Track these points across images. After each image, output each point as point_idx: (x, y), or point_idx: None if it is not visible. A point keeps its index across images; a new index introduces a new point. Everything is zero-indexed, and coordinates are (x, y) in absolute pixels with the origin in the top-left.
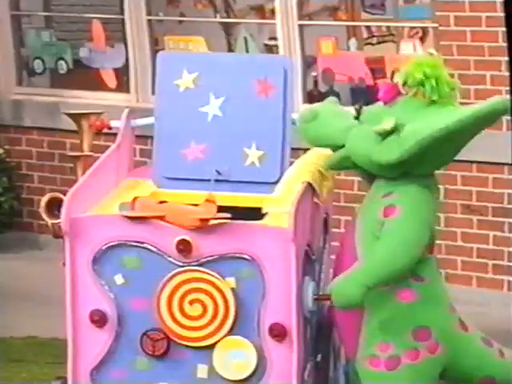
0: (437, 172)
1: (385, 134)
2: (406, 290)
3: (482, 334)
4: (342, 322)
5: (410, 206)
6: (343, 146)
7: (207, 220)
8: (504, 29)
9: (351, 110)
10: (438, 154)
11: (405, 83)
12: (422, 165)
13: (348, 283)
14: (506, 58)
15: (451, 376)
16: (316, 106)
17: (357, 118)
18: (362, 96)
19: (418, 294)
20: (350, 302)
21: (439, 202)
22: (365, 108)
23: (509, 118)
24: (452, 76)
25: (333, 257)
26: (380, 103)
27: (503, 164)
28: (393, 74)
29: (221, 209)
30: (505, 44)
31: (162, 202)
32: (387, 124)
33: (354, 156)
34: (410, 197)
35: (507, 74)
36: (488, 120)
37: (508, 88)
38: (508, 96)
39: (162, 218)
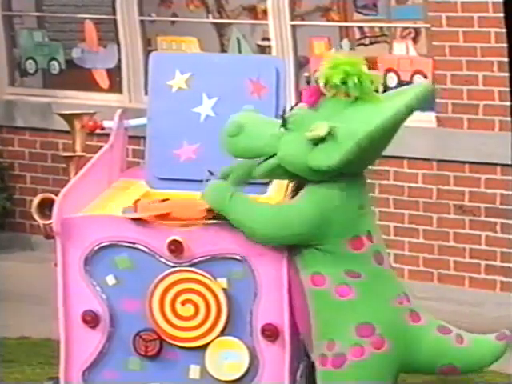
0: (429, 173)
1: (318, 140)
2: (342, 287)
3: (438, 322)
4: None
5: (306, 199)
6: (273, 155)
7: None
8: (496, 29)
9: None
10: (374, 151)
11: (326, 84)
12: (358, 164)
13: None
14: (499, 59)
15: (412, 370)
16: (239, 117)
17: (283, 125)
18: None
19: (356, 290)
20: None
21: (369, 196)
22: (289, 115)
23: (501, 118)
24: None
25: None
26: (304, 108)
27: (495, 164)
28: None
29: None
30: (497, 45)
31: (163, 201)
32: (321, 130)
33: (288, 164)
34: (313, 194)
35: (500, 74)
36: (418, 108)
37: (501, 89)
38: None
39: (168, 215)
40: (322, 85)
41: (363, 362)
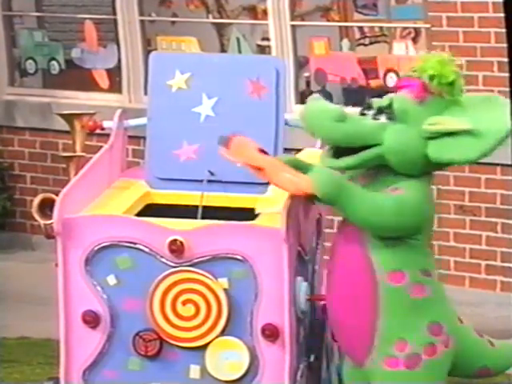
0: None
1: (438, 134)
2: (418, 285)
3: (472, 325)
4: (340, 325)
5: (414, 191)
6: (372, 146)
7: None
8: (496, 29)
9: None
10: None
11: (431, 81)
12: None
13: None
14: (499, 59)
15: (452, 370)
16: (335, 105)
17: (388, 115)
18: (355, 96)
19: (429, 289)
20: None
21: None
22: (388, 104)
23: None
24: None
25: (326, 257)
26: (406, 99)
27: (496, 164)
28: (389, 72)
29: (213, 209)
30: (497, 45)
31: (262, 151)
32: (463, 124)
33: (397, 155)
34: (417, 188)
35: (499, 74)
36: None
37: (501, 89)
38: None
39: (260, 169)
40: (428, 81)
41: (436, 360)
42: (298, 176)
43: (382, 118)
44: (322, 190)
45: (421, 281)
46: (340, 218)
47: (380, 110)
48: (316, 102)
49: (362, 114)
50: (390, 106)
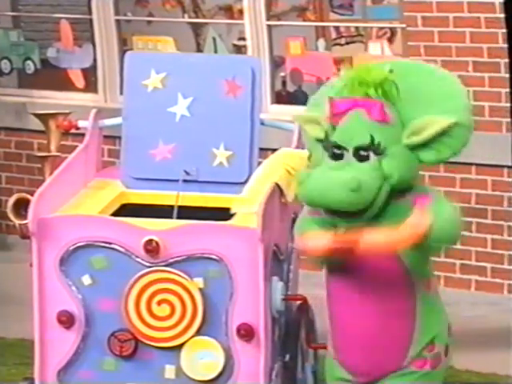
0: None
1: (423, 141)
2: (437, 290)
3: None
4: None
5: (438, 194)
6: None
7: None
8: (472, 29)
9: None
10: None
11: (376, 93)
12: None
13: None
14: (474, 59)
15: None
16: (352, 174)
17: (376, 152)
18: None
19: (436, 286)
20: None
21: None
22: (365, 143)
23: (477, 118)
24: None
25: (302, 257)
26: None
27: (471, 164)
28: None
29: (189, 209)
30: (472, 44)
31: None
32: (446, 120)
33: (404, 182)
34: (432, 189)
35: (475, 74)
36: None
37: (476, 88)
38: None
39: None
40: (375, 96)
41: (447, 362)
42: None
43: (371, 156)
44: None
45: (433, 280)
46: None
47: (361, 149)
48: (315, 179)
49: (337, 156)
50: (372, 142)
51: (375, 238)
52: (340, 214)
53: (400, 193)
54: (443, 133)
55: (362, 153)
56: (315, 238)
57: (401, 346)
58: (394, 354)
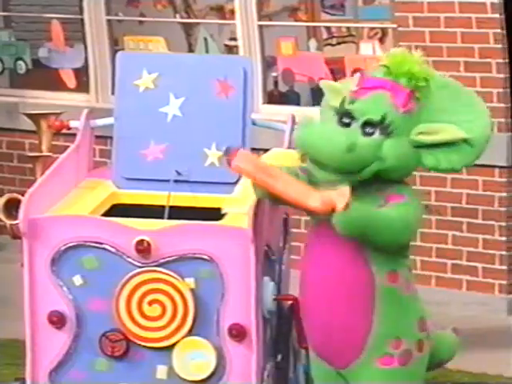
0: None
1: (428, 143)
2: (408, 283)
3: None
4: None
5: (413, 194)
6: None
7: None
8: (463, 30)
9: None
10: None
11: (409, 84)
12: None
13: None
14: (465, 59)
15: None
16: (339, 132)
17: (383, 131)
18: (322, 97)
19: (413, 286)
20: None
21: None
22: (375, 120)
23: None
24: None
25: (293, 257)
26: (395, 112)
27: None
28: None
29: (180, 209)
30: (463, 45)
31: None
32: (460, 133)
33: (396, 168)
34: (411, 190)
35: (466, 74)
36: None
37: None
38: None
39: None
40: (407, 85)
41: (423, 356)
42: (312, 192)
43: (376, 134)
44: (345, 229)
45: (409, 278)
46: (307, 218)
47: (369, 124)
48: (317, 127)
49: (345, 124)
50: (383, 120)
51: (291, 186)
52: (324, 167)
53: (380, 183)
54: (449, 144)
55: (369, 129)
56: (242, 156)
57: (358, 331)
58: (348, 342)
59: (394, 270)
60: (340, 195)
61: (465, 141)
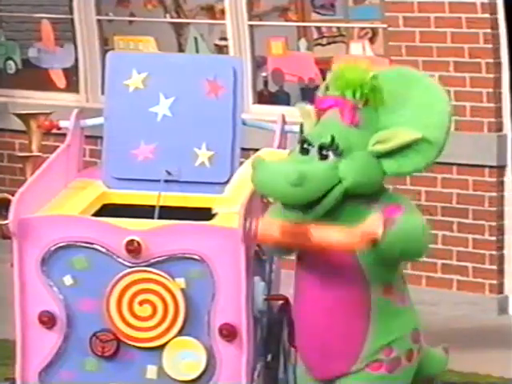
0: None
1: (389, 150)
2: (403, 295)
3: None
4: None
5: (407, 201)
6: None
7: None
8: (453, 29)
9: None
10: None
11: (354, 95)
12: None
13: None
14: (455, 59)
15: None
16: (294, 165)
17: (335, 152)
18: (312, 96)
19: (407, 296)
20: None
21: None
22: (326, 142)
23: (457, 118)
24: None
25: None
26: (341, 129)
27: (452, 164)
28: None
29: (170, 209)
30: (453, 45)
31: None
32: (414, 134)
33: (361, 185)
34: (405, 200)
35: (456, 74)
36: None
37: (457, 88)
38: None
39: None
40: (351, 97)
41: (411, 367)
42: (347, 230)
43: (331, 156)
44: (396, 247)
45: (403, 290)
46: None
47: (323, 148)
48: (265, 166)
49: (304, 150)
50: (332, 142)
51: (325, 233)
52: (288, 207)
53: (364, 198)
54: (408, 146)
55: (324, 152)
56: (266, 224)
57: (351, 347)
58: (344, 354)
59: (389, 283)
60: (374, 222)
61: (423, 140)
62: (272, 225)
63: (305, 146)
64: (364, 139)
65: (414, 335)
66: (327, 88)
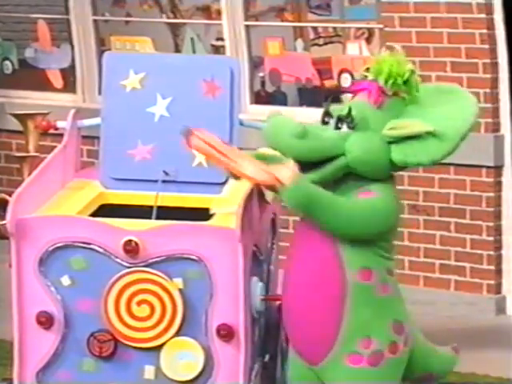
0: None
1: (401, 138)
2: (383, 285)
3: (420, 329)
4: (295, 327)
5: (386, 194)
6: (335, 156)
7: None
8: (449, 30)
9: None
10: None
11: (386, 83)
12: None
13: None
14: (452, 59)
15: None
16: (296, 120)
17: (349, 125)
18: (310, 97)
19: (392, 288)
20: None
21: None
22: (346, 113)
23: None
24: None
25: (281, 257)
26: (364, 106)
27: (449, 164)
28: (343, 74)
29: (168, 210)
30: (450, 45)
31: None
32: (426, 127)
33: (363, 163)
34: (387, 190)
35: (452, 74)
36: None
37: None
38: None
39: (221, 160)
40: (384, 83)
41: (397, 359)
42: (267, 169)
43: (344, 128)
44: (291, 202)
45: (386, 280)
46: (297, 218)
47: (340, 119)
48: (276, 118)
49: (325, 123)
50: (349, 114)
51: (243, 163)
52: (298, 164)
53: (365, 182)
54: (419, 139)
55: (340, 124)
56: (204, 137)
57: (327, 331)
58: (320, 338)
59: (366, 268)
60: (285, 169)
61: (434, 135)
62: (205, 136)
63: (326, 118)
64: (382, 123)
65: (396, 327)
66: (365, 75)
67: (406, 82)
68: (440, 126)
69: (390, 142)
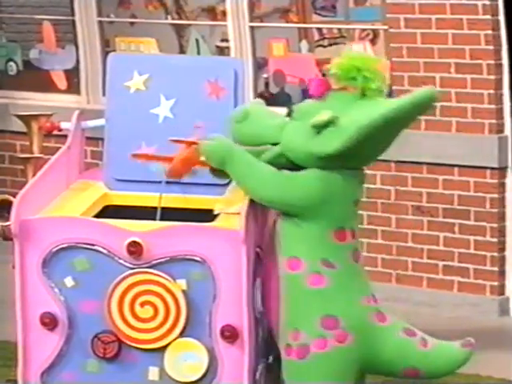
0: (387, 174)
1: (320, 127)
2: (315, 275)
3: (403, 324)
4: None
5: (314, 173)
6: (275, 144)
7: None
8: (454, 31)
9: (281, 110)
10: (374, 146)
11: (335, 77)
12: (356, 158)
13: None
14: (456, 60)
15: (374, 369)
16: (245, 106)
17: (289, 115)
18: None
19: (328, 280)
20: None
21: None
22: (296, 106)
23: (458, 119)
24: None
25: None
26: (311, 100)
27: (453, 165)
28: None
29: (171, 211)
30: (454, 46)
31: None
32: (324, 115)
33: (291, 152)
34: (318, 173)
35: (457, 75)
36: (422, 109)
37: (458, 90)
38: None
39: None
40: (331, 77)
41: (325, 354)
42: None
43: (287, 118)
44: (211, 155)
45: (320, 271)
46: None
47: (289, 111)
48: (248, 104)
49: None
50: (290, 106)
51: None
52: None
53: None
54: (325, 129)
55: (288, 115)
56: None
57: (277, 324)
58: (276, 330)
59: (294, 257)
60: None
61: (338, 127)
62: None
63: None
64: (319, 113)
65: (325, 321)
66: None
67: (354, 78)
68: (346, 117)
69: (317, 134)
